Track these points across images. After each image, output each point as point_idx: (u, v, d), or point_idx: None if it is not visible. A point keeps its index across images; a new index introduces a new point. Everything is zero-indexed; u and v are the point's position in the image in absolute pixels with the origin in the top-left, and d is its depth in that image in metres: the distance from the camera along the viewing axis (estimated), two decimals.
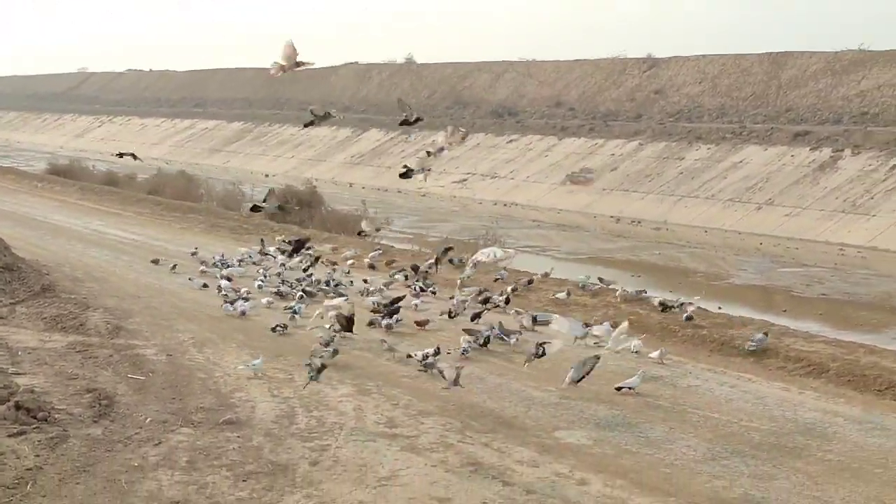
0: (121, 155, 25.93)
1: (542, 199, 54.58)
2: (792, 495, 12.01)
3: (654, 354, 18.12)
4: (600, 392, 16.15)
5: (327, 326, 17.14)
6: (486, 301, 21.21)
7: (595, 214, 50.28)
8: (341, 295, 22.77)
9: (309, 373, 15.02)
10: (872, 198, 43.36)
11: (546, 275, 26.43)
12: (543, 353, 15.90)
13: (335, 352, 16.18)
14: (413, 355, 17.52)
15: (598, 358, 15.61)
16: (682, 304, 21.47)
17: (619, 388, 15.62)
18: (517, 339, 18.90)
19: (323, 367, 15.07)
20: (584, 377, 15.31)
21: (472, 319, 20.36)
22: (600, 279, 25.39)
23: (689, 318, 20.54)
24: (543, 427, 14.33)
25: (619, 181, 54.01)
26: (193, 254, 28.06)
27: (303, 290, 23.08)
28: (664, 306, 21.65)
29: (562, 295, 23.29)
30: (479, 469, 12.55)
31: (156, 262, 27.18)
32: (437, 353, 17.39)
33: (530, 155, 61.78)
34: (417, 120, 16.53)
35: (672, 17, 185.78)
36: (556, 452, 13.25)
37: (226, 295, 22.56)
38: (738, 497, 11.92)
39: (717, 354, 18.77)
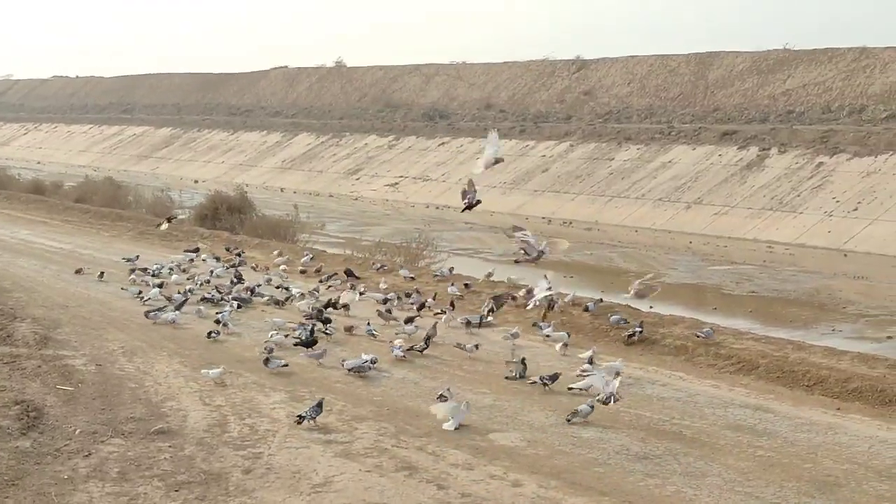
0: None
1: None
2: (724, 492, 12.12)
3: (585, 355, 18.21)
4: (533, 393, 16.21)
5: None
6: (421, 307, 21.30)
7: (527, 216, 50.40)
8: (277, 302, 22.84)
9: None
10: (799, 195, 43.98)
11: (489, 275, 26.38)
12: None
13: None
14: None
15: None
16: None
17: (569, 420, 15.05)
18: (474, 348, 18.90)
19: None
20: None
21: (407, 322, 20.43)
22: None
23: (621, 320, 20.66)
24: (477, 430, 14.34)
25: (550, 182, 54.28)
26: (129, 260, 27.85)
27: (234, 298, 22.93)
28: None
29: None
30: (414, 473, 12.54)
31: (79, 271, 26.74)
32: (374, 361, 17.41)
33: (462, 157, 61.84)
34: (478, 202, 17.64)
35: (600, 18, 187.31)
36: (490, 455, 13.27)
37: (150, 302, 22.45)
38: (671, 494, 12.02)
39: (648, 354, 18.91)
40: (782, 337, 20.18)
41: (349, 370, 17.11)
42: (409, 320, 20.54)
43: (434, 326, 19.55)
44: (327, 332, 19.68)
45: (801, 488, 12.27)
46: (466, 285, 24.66)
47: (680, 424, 14.64)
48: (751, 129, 52.96)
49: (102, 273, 26.09)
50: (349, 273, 26.07)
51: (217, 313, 21.15)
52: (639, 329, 19.57)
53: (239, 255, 29.33)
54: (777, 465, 13.08)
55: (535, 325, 20.55)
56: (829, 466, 13.01)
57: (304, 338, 18.75)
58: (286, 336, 19.32)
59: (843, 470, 12.89)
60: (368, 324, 20.40)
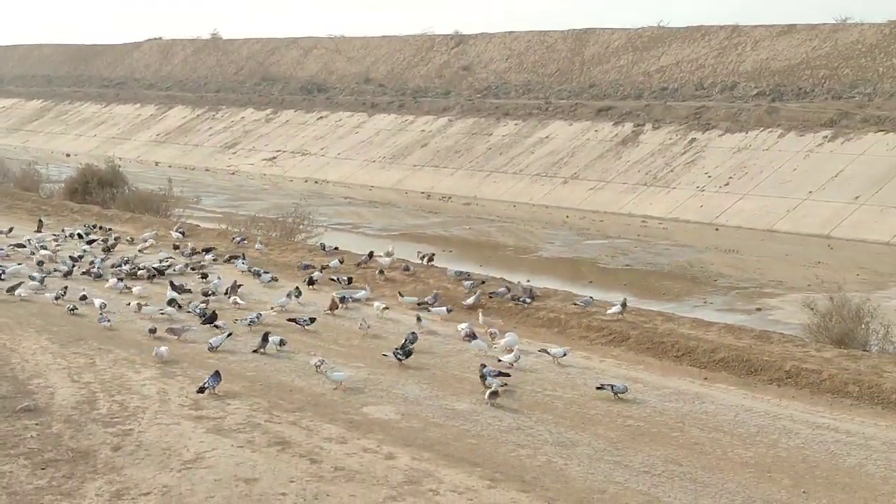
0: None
1: (354, 176, 54.46)
2: (593, 461, 12.31)
3: (462, 326, 18.32)
4: (408, 366, 16.24)
5: None
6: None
7: (406, 191, 50.46)
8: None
9: None
10: (672, 171, 44.72)
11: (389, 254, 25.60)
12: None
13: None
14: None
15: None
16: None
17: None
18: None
19: None
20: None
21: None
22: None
23: (494, 294, 20.80)
24: (351, 404, 14.32)
25: (429, 157, 54.30)
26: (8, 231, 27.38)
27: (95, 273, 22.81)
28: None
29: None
30: (287, 448, 12.47)
31: None
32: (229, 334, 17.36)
33: (340, 132, 61.50)
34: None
35: None
36: (364, 428, 13.27)
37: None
38: (542, 464, 12.16)
39: (521, 325, 19.08)
40: (653, 309, 20.55)
41: (212, 349, 16.98)
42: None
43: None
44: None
45: (669, 456, 12.53)
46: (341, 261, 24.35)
47: (552, 395, 14.82)
48: (626, 105, 53.65)
49: None
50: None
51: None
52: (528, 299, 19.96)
53: (109, 230, 29.09)
54: (646, 434, 13.33)
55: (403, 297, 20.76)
56: (696, 435, 13.31)
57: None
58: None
59: (709, 438, 13.20)
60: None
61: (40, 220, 30.43)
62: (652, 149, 47.30)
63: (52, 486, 11.23)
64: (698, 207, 41.10)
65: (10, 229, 28.26)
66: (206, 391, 14.40)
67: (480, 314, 19.36)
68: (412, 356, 16.32)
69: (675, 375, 16.11)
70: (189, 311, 19.54)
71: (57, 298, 20.11)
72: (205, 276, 23.01)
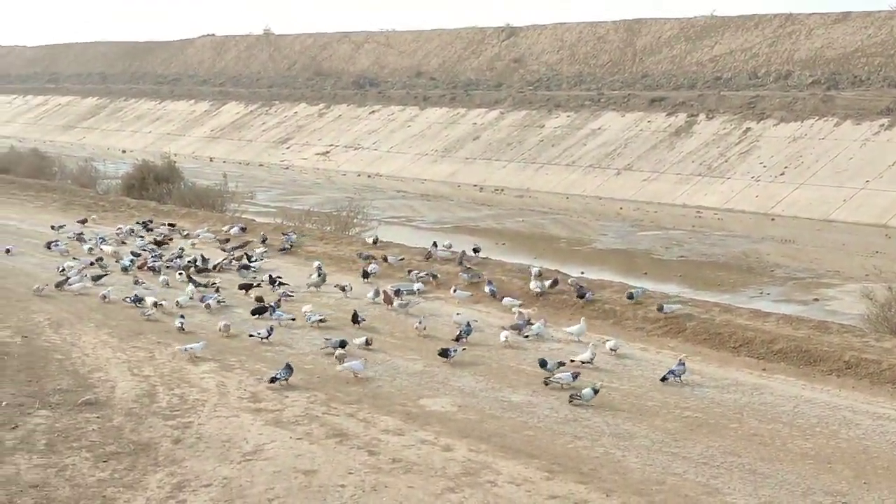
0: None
1: (406, 170, 54.57)
2: (651, 452, 12.28)
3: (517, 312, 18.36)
4: (463, 359, 16.26)
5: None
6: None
7: (459, 184, 50.47)
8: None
9: None
10: (727, 161, 44.39)
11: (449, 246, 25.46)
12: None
13: None
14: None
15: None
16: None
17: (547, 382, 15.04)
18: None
19: None
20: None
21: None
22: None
23: (554, 283, 20.74)
24: (408, 396, 14.38)
25: (481, 150, 54.26)
26: (81, 232, 27.66)
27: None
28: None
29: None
30: (345, 440, 12.55)
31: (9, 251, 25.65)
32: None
33: (393, 126, 61.63)
34: None
35: None
36: (421, 420, 13.32)
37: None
38: (599, 456, 12.14)
39: (576, 316, 19.01)
40: (709, 300, 20.41)
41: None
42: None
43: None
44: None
45: (728, 447, 12.46)
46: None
47: (608, 387, 14.75)
48: (679, 95, 53.30)
49: (9, 249, 25.48)
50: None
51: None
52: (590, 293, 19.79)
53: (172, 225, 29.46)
54: (704, 425, 13.27)
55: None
56: (754, 426, 13.23)
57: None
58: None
59: (768, 429, 13.11)
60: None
61: (85, 219, 30.70)
62: (706, 139, 46.97)
63: (113, 479, 11.37)
64: (753, 197, 40.75)
65: (84, 220, 29.00)
66: (278, 381, 14.60)
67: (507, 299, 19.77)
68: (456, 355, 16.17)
69: (733, 366, 16.00)
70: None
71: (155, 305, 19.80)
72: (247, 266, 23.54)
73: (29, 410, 13.46)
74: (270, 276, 21.93)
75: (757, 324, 17.64)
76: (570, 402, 14.01)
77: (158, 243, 26.43)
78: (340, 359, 15.65)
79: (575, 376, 14.61)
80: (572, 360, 15.89)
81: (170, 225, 29.43)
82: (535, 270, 21.51)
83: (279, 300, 19.58)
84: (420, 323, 18.15)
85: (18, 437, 12.52)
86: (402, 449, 12.27)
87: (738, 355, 16.60)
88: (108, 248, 25.45)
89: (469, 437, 12.67)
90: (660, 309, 18.57)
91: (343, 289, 21.07)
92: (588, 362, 15.79)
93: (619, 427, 13.11)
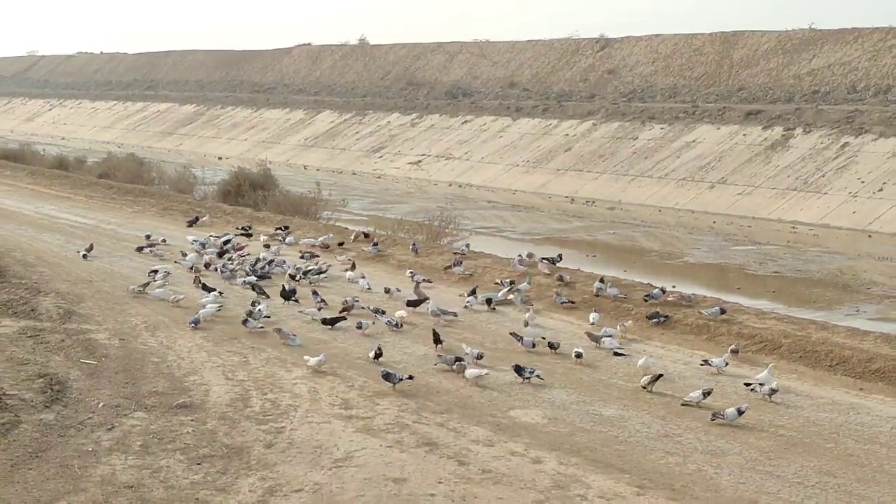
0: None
1: (498, 180, 54.58)
2: (745, 470, 12.12)
3: (616, 329, 18.26)
4: (554, 370, 16.21)
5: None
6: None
7: (550, 195, 50.33)
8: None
9: None
10: (824, 175, 43.68)
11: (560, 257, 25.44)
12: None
13: None
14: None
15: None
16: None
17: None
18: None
19: None
20: None
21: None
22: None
23: (647, 298, 20.58)
24: (498, 406, 14.37)
25: (573, 161, 54.07)
26: (148, 237, 27.99)
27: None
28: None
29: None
30: (435, 449, 12.58)
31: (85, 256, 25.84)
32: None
33: (484, 136, 61.67)
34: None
35: None
36: (511, 431, 13.30)
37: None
38: (692, 472, 12.02)
39: (670, 332, 18.86)
40: (805, 317, 20.09)
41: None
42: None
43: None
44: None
45: (823, 467, 12.26)
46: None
47: (701, 403, 14.60)
48: (775, 108, 52.56)
49: (86, 255, 25.73)
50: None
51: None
52: (664, 317, 19.41)
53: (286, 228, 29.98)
54: (799, 444, 13.06)
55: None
56: (850, 446, 12.99)
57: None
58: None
59: (864, 450, 12.87)
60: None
61: (196, 218, 31.38)
62: (802, 153, 46.26)
63: (206, 481, 11.53)
64: (850, 213, 40.04)
65: (195, 219, 29.59)
66: (395, 385, 14.91)
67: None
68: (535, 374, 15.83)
69: (829, 385, 15.73)
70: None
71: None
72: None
73: (125, 412, 13.71)
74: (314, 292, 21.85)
75: (854, 342, 17.31)
76: (713, 420, 13.79)
77: (233, 249, 26.46)
78: (461, 369, 15.81)
79: (740, 412, 13.92)
80: (747, 384, 15.40)
81: (279, 229, 29.70)
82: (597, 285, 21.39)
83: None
84: (517, 334, 18.09)
85: (115, 438, 12.75)
86: (491, 460, 12.26)
87: (834, 374, 16.32)
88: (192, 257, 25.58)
89: (559, 450, 12.62)
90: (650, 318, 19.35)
91: (388, 291, 21.56)
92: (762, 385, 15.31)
93: (711, 444, 12.96)
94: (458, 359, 16.26)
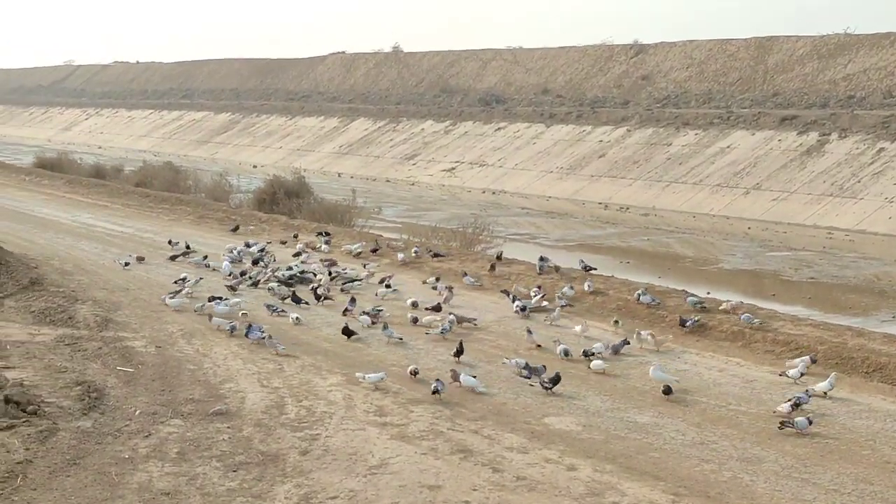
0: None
1: (531, 187, 54.58)
2: (780, 478, 12.07)
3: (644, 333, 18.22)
4: (588, 378, 16.20)
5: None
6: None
7: (583, 201, 50.29)
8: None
9: None
10: (860, 181, 43.42)
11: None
12: None
13: None
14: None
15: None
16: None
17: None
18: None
19: None
20: None
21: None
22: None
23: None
24: (533, 413, 14.38)
25: (607, 168, 54.01)
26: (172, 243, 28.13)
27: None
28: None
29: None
30: (469, 456, 12.60)
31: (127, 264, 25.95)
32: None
33: (518, 143, 61.71)
34: None
35: (658, 2, 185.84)
36: (545, 438, 13.30)
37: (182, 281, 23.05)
38: (727, 480, 11.98)
39: (704, 339, 18.78)
40: (841, 323, 19.97)
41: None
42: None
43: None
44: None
45: (860, 475, 12.19)
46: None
47: (737, 410, 14.56)
48: (811, 114, 52.28)
49: (127, 263, 25.83)
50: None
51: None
52: (695, 320, 19.31)
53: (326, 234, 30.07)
54: (835, 451, 12.99)
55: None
56: (888, 454, 12.90)
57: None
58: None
59: None
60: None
61: (237, 226, 31.68)
62: (838, 159, 45.99)
63: (242, 489, 11.60)
64: (887, 219, 39.77)
65: (178, 243, 28.79)
66: (440, 394, 14.94)
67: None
68: (559, 383, 15.61)
69: (866, 392, 15.61)
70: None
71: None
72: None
73: (162, 419, 13.81)
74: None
75: (891, 349, 17.17)
76: (780, 428, 13.63)
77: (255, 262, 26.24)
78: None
79: (810, 422, 13.72)
80: (807, 391, 15.08)
81: (321, 234, 29.83)
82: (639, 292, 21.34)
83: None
84: (559, 341, 18.04)
85: (151, 445, 12.85)
86: (526, 467, 12.27)
87: (870, 381, 16.19)
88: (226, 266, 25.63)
89: (594, 458, 12.61)
90: (682, 324, 19.16)
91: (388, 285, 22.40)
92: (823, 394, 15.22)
93: (747, 451, 12.91)
94: (528, 364, 16.24)
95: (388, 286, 22.75)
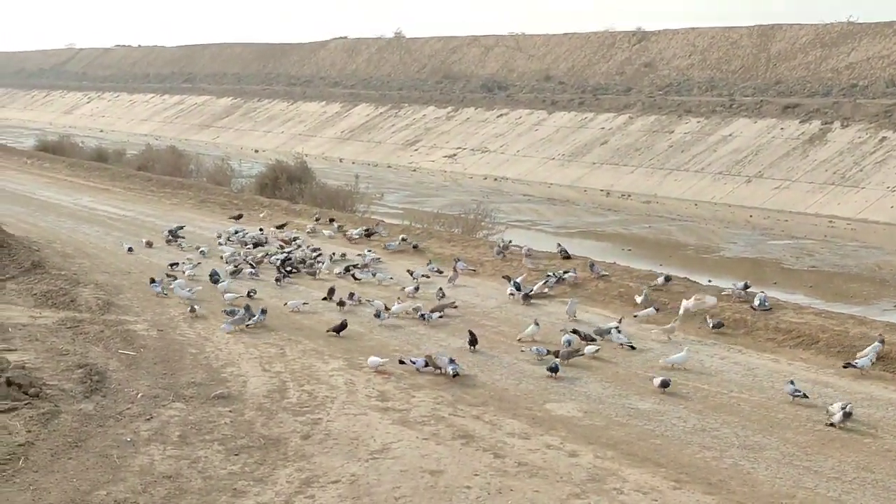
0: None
1: (533, 174, 54.50)
2: (781, 465, 12.08)
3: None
4: (590, 364, 16.20)
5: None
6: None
7: (585, 188, 50.25)
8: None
9: None
10: (862, 170, 43.37)
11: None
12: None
13: None
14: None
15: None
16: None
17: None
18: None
19: None
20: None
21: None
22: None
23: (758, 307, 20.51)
24: (534, 400, 14.39)
25: (609, 155, 53.95)
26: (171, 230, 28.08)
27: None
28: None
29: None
30: (471, 441, 12.62)
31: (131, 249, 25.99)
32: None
33: (520, 129, 61.60)
34: None
35: None
36: (546, 425, 13.31)
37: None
38: (728, 467, 11.99)
39: (706, 326, 18.77)
40: (843, 312, 19.96)
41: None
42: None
43: None
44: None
45: (861, 462, 12.20)
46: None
47: (738, 398, 14.57)
48: (813, 102, 52.18)
49: (131, 248, 25.83)
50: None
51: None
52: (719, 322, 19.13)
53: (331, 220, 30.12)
54: (836, 439, 13.00)
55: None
56: (889, 442, 12.92)
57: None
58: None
59: None
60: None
61: (240, 214, 31.63)
62: (840, 147, 45.94)
63: (244, 472, 11.62)
64: (888, 208, 39.75)
65: (240, 216, 29.29)
66: (459, 376, 15.12)
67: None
68: (559, 371, 15.61)
69: (867, 380, 15.60)
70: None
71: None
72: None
73: (164, 402, 13.84)
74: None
75: (893, 338, 17.13)
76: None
77: (255, 245, 26.38)
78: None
79: (847, 414, 13.49)
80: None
81: (317, 219, 29.85)
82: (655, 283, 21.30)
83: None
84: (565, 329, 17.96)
85: (153, 429, 12.87)
86: (527, 453, 12.29)
87: (872, 369, 16.19)
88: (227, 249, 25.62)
89: (595, 444, 12.62)
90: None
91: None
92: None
93: (748, 439, 12.92)
94: (557, 352, 16.24)
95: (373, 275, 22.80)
